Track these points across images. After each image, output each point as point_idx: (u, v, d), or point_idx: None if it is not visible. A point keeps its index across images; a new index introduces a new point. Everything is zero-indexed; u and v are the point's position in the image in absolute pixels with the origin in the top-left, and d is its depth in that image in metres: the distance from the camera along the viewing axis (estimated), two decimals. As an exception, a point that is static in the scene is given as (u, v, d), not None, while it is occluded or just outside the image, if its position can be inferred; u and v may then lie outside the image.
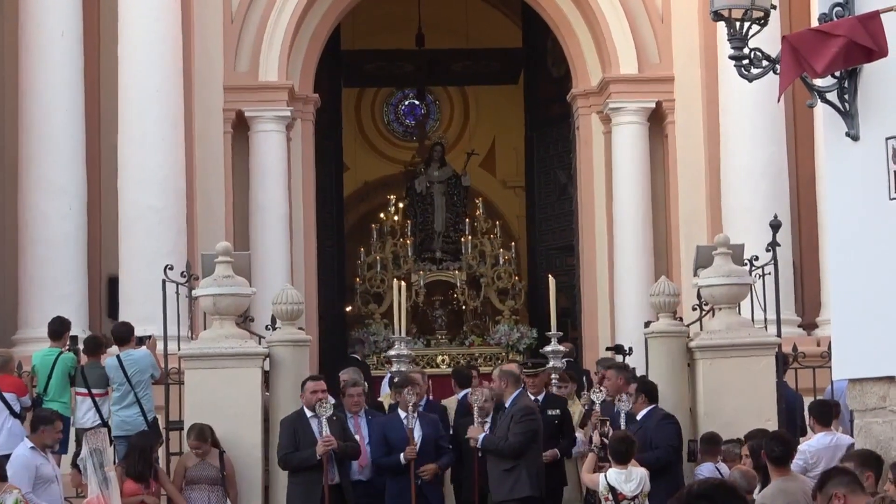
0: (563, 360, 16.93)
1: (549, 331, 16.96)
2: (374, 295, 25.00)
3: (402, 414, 13.82)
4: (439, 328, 25.22)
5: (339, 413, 13.72)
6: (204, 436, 13.50)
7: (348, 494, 13.38)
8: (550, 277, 17.62)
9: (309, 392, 13.45)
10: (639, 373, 15.58)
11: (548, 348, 16.74)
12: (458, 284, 25.31)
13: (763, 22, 9.75)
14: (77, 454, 11.49)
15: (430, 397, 15.78)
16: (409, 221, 26.53)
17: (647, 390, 13.58)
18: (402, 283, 17.07)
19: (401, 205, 27.25)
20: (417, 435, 13.71)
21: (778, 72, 9.46)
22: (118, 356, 15.33)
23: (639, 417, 13.27)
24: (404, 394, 13.88)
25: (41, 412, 14.15)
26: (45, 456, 12.99)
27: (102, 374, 15.42)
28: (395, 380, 15.33)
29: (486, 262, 25.58)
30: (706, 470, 12.85)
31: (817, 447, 12.68)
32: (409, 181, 28.28)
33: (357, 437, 13.77)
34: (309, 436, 13.25)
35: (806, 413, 14.27)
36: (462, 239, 25.89)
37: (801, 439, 14.24)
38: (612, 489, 11.66)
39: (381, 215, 27.13)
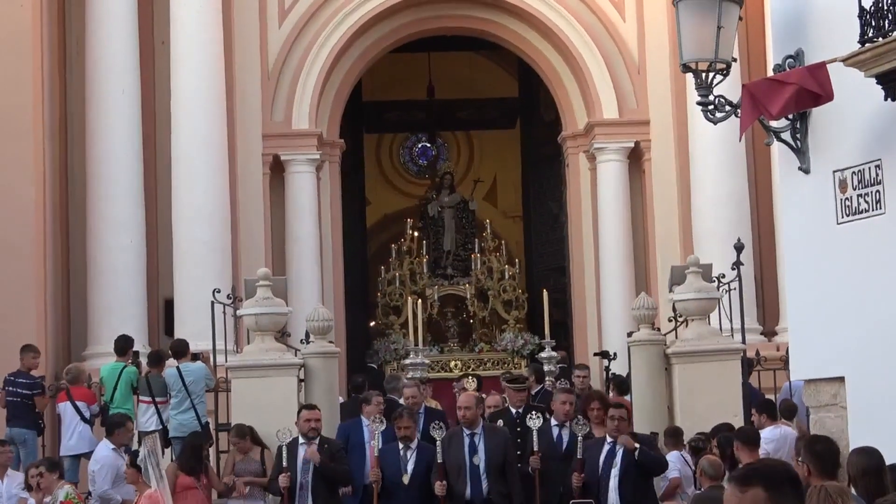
0: (557, 366, 16.95)
1: (546, 339, 17.07)
2: (394, 308, 24.85)
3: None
4: (451, 336, 25.00)
5: (332, 440, 12.59)
6: (242, 433, 13.47)
7: None
8: (545, 291, 17.69)
9: (303, 420, 12.38)
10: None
11: (542, 354, 16.77)
12: (468, 297, 25.15)
13: (725, 72, 9.71)
14: (136, 454, 11.41)
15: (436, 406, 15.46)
16: (423, 242, 26.41)
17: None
18: (419, 299, 16.99)
19: (416, 234, 27.12)
20: (410, 466, 11.85)
21: (739, 115, 9.43)
22: (177, 367, 15.34)
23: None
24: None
25: (114, 417, 14.09)
26: (122, 456, 12.90)
27: (164, 384, 15.40)
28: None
29: (492, 277, 25.40)
30: (673, 457, 12.62)
31: (770, 437, 12.68)
32: (422, 208, 28.21)
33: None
34: (291, 464, 12.12)
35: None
36: (472, 256, 25.74)
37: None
38: None
39: (401, 240, 27.00)
